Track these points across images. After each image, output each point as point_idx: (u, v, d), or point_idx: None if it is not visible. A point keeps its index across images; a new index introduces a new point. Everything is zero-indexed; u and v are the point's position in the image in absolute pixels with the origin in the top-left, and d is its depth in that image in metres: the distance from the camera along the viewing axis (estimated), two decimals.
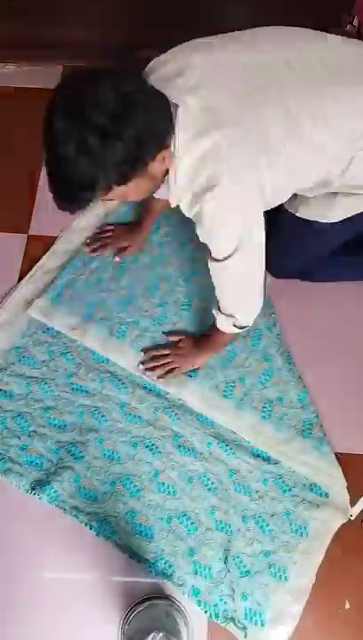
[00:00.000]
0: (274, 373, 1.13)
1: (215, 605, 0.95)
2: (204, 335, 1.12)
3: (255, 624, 0.94)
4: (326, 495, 1.03)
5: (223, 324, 0.99)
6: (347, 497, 1.03)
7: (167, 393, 1.12)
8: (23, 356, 1.16)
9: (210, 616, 0.95)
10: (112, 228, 1.27)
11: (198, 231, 0.83)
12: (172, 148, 0.75)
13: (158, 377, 1.10)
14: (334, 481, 1.04)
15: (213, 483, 1.04)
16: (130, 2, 1.33)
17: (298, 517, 1.01)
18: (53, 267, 1.26)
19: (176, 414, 1.09)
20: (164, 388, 1.12)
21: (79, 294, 1.22)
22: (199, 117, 0.74)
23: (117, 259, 1.25)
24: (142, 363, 1.12)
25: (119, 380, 1.13)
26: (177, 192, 0.80)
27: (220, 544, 0.99)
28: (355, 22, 1.57)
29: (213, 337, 1.07)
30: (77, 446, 1.07)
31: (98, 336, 1.17)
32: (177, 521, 1.01)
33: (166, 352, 1.12)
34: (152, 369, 1.11)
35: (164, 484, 1.04)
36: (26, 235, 1.30)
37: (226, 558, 0.98)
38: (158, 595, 0.97)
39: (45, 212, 1.33)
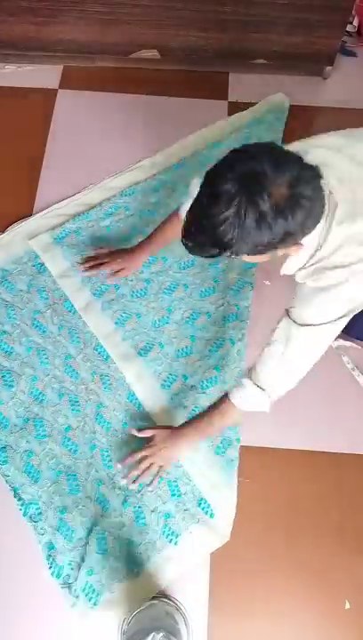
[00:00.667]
0: (218, 384, 1.11)
1: (61, 567, 0.97)
2: (189, 422, 1.00)
3: (89, 600, 0.95)
4: (211, 515, 1.01)
5: (248, 398, 0.88)
6: (230, 527, 1.00)
7: (113, 362, 1.14)
8: (6, 280, 1.22)
9: (52, 574, 0.96)
10: (107, 250, 1.18)
11: (300, 291, 0.81)
12: (306, 238, 0.71)
13: (145, 483, 1.00)
14: (226, 505, 1.01)
15: (111, 460, 1.05)
16: (130, 2, 1.32)
17: (175, 524, 1.00)
18: (68, 213, 1.31)
19: (110, 385, 1.11)
20: (112, 357, 1.14)
21: (80, 244, 1.26)
22: (344, 207, 0.72)
23: (110, 281, 1.18)
24: (123, 477, 1.02)
25: (76, 334, 1.16)
26: (295, 266, 0.78)
27: (92, 515, 1.01)
28: (355, 22, 1.55)
29: (211, 418, 0.94)
30: (12, 375, 1.12)
31: (77, 286, 1.21)
32: (65, 478, 1.04)
33: (142, 454, 0.99)
34: (135, 477, 1.00)
35: (70, 440, 1.07)
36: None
37: (90, 530, 0.99)
38: (158, 595, 0.97)
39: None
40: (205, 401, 1.10)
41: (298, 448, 1.07)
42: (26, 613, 0.97)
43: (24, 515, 1.00)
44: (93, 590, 0.95)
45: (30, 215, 1.31)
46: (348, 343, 1.14)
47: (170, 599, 0.96)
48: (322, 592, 0.97)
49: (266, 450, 1.07)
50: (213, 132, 1.42)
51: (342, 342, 1.14)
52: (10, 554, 1.01)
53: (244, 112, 1.46)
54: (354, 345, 1.15)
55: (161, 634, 0.82)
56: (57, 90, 1.51)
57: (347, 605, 0.96)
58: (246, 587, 0.98)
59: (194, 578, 0.98)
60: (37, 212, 1.31)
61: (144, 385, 1.12)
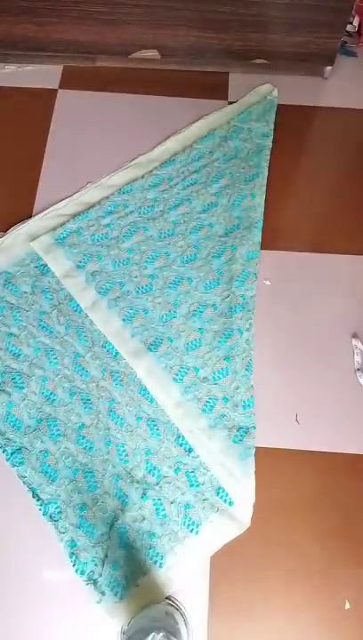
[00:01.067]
0: (229, 374, 1.12)
1: (85, 563, 0.97)
2: None
3: (115, 595, 0.95)
4: (230, 504, 1.02)
5: None
6: (250, 513, 1.01)
7: (123, 359, 1.14)
8: (9, 282, 1.22)
9: (76, 571, 0.97)
10: None
11: None
12: None
13: None
14: (244, 493, 1.03)
15: (127, 455, 1.05)
16: (130, 2, 1.32)
17: (195, 514, 1.01)
18: (68, 213, 1.31)
19: (121, 380, 1.12)
20: (121, 353, 1.15)
21: (82, 243, 1.26)
22: None
23: None
24: None
25: (83, 333, 1.17)
26: None
27: (112, 510, 1.01)
28: (355, 22, 1.55)
29: None
30: (22, 377, 1.12)
31: (82, 285, 1.21)
32: (82, 475, 1.04)
33: None
34: None
35: (84, 437, 1.07)
36: None
37: (112, 525, 1.00)
38: None
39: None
40: (217, 392, 1.11)
41: (297, 448, 1.08)
42: (25, 614, 0.97)
43: (44, 514, 1.01)
44: (119, 584, 0.96)
45: (31, 215, 1.31)
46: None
47: (170, 599, 0.96)
48: (322, 592, 0.98)
49: (265, 450, 1.08)
50: (205, 125, 1.43)
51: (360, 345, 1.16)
52: (10, 553, 1.01)
53: (234, 104, 1.47)
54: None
55: (161, 634, 0.82)
56: (57, 90, 1.50)
57: (347, 605, 0.97)
58: (246, 587, 0.99)
59: (194, 578, 0.99)
60: (38, 213, 1.31)
61: (156, 380, 1.12)
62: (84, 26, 1.40)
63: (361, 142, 1.42)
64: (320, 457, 1.08)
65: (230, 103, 1.48)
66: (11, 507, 1.03)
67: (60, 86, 1.51)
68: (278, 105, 1.47)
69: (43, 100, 1.48)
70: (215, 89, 1.50)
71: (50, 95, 1.49)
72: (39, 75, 1.52)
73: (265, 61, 1.49)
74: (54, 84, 1.51)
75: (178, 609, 0.95)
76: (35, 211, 1.32)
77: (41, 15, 1.38)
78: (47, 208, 1.32)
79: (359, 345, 1.16)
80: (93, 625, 0.96)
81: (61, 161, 1.39)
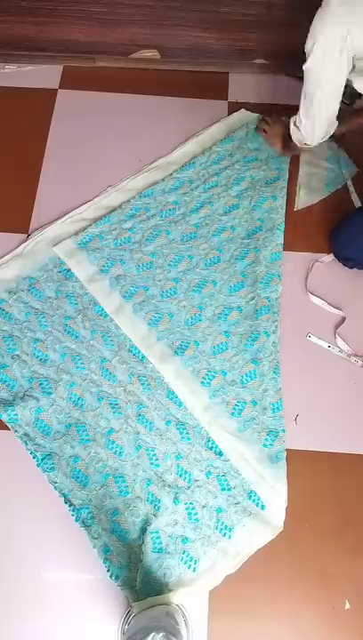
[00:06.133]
0: (257, 377, 1.12)
1: (119, 568, 0.97)
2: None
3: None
4: (263, 507, 1.01)
5: (292, 130, 1.18)
6: (283, 516, 1.01)
7: (149, 363, 1.14)
8: (33, 287, 1.22)
9: (110, 576, 0.97)
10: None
11: None
12: None
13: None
14: (277, 496, 1.02)
15: (157, 459, 1.05)
16: (130, 2, 1.32)
17: (227, 518, 1.00)
18: (90, 217, 1.31)
19: (149, 385, 1.11)
20: (148, 357, 1.14)
21: (105, 247, 1.26)
22: None
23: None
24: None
25: (109, 337, 1.16)
26: None
27: (144, 514, 1.01)
28: None
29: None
30: (50, 382, 1.12)
31: (106, 289, 1.21)
32: (113, 480, 1.04)
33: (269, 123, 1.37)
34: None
35: (113, 442, 1.07)
36: (26, 235, 1.30)
37: (144, 529, 0.99)
38: None
39: (46, 212, 1.33)
40: (246, 395, 1.10)
41: (297, 449, 1.08)
42: (25, 614, 0.97)
43: (76, 520, 1.00)
44: (154, 590, 0.95)
45: (30, 215, 1.31)
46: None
47: None
48: (322, 592, 0.98)
49: None
50: (224, 127, 1.43)
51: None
52: (9, 553, 1.01)
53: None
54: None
55: (161, 634, 0.82)
56: (57, 90, 1.50)
57: (347, 605, 0.97)
58: (246, 587, 0.99)
59: None
60: (37, 212, 1.32)
61: (184, 383, 1.12)
62: (84, 26, 1.41)
63: None
64: (321, 457, 1.08)
65: (230, 103, 1.47)
66: (9, 507, 1.04)
67: (60, 86, 1.51)
68: (278, 105, 1.47)
69: (43, 100, 1.49)
70: (215, 89, 1.50)
71: (50, 95, 1.49)
72: (39, 75, 1.52)
73: (265, 61, 1.48)
74: (54, 84, 1.51)
75: (179, 610, 0.94)
76: (34, 210, 1.32)
77: (41, 15, 1.38)
78: (47, 207, 1.32)
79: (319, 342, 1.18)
80: (93, 625, 0.96)
81: (61, 161, 1.40)
